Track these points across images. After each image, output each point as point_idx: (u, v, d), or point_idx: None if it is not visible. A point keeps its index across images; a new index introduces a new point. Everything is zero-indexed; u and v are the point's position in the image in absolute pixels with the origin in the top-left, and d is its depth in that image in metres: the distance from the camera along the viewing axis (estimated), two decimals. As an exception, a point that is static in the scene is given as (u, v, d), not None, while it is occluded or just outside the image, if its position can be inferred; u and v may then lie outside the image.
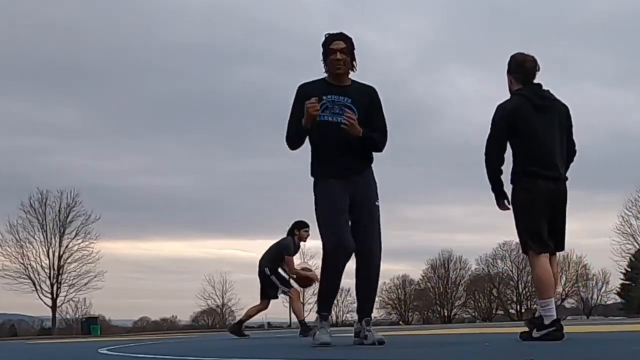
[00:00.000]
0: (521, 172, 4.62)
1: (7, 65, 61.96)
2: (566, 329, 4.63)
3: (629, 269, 54.03)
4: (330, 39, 4.70)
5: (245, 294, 63.76)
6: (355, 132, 4.57)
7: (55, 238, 44.05)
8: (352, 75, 4.79)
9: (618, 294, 59.30)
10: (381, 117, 4.79)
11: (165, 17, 70.33)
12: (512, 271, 65.08)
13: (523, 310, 64.05)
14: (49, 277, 43.40)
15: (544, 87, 4.69)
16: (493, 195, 4.69)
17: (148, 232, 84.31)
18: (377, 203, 4.72)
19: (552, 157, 4.59)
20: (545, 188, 4.56)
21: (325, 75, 4.78)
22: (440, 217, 77.78)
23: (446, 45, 77.53)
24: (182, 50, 68.17)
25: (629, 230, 51.10)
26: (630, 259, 52.88)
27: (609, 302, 63.04)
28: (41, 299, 43.33)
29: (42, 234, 43.87)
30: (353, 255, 4.61)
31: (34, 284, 43.01)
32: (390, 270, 76.74)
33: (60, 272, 43.64)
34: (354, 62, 4.74)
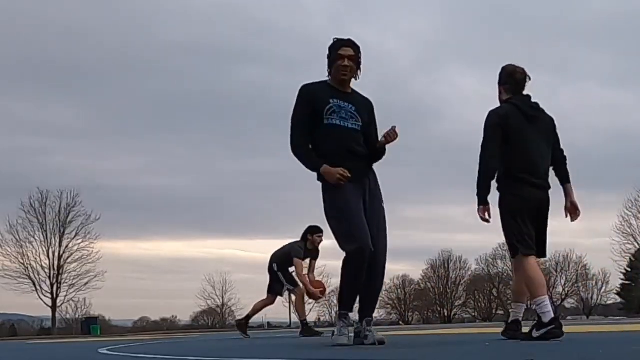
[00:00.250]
0: (511, 179, 4.69)
1: (7, 65, 62.05)
2: (566, 329, 4.63)
3: (629, 269, 54.02)
4: (339, 44, 4.69)
5: (245, 294, 63.84)
6: (386, 142, 4.72)
7: (55, 238, 44.10)
8: (354, 84, 4.81)
9: (618, 294, 59.29)
10: (376, 130, 4.88)
11: (165, 17, 70.43)
12: (512, 271, 64.73)
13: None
14: (49, 277, 43.44)
15: (534, 99, 4.83)
16: (477, 201, 4.68)
17: (148, 232, 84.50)
18: (382, 205, 4.77)
19: (539, 166, 4.72)
20: (533, 195, 4.68)
21: (327, 78, 4.77)
22: (440, 217, 77.87)
23: (446, 45, 77.60)
24: (182, 50, 68.31)
25: (629, 230, 51.14)
26: (630, 259, 52.88)
27: (609, 302, 63.06)
28: (41, 299, 43.41)
29: (42, 234, 43.94)
30: None
31: (34, 284, 43.07)
32: (390, 270, 76.44)
33: (60, 272, 43.65)
34: (359, 71, 4.75)
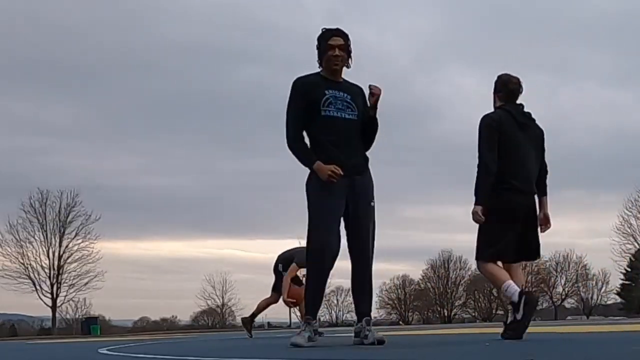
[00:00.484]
0: (501, 183, 4.76)
1: (7, 65, 62.03)
2: (566, 329, 4.62)
3: (629, 269, 54.03)
4: (328, 34, 4.67)
5: (245, 294, 63.87)
6: (375, 104, 4.66)
7: (55, 238, 44.11)
8: (344, 73, 4.79)
9: (618, 294, 59.30)
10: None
11: (166, 17, 70.41)
12: (512, 271, 65.06)
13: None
14: (49, 277, 43.45)
15: (526, 109, 4.96)
16: (475, 201, 4.77)
17: (148, 232, 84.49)
18: (372, 203, 4.72)
19: (528, 172, 4.84)
20: (519, 201, 4.79)
21: (320, 69, 4.76)
22: (440, 217, 77.89)
23: (446, 45, 77.61)
24: (182, 50, 68.28)
25: (629, 230, 51.14)
26: (630, 259, 52.88)
27: (609, 302, 63.07)
28: (41, 299, 43.42)
29: (42, 234, 43.95)
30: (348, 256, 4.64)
31: (34, 284, 43.08)
32: (390, 270, 76.66)
33: (60, 272, 43.65)
34: (350, 60, 4.73)
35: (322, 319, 63.71)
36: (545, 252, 65.03)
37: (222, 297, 61.37)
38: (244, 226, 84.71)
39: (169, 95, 67.12)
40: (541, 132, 5.03)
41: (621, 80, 75.51)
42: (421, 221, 79.39)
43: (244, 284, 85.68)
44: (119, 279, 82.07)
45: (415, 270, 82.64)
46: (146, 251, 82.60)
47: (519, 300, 4.61)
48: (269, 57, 70.67)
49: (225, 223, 77.03)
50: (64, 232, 44.27)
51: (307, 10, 72.93)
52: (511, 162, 4.77)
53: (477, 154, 4.84)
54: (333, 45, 4.64)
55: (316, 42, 4.72)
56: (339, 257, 4.66)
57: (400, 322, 63.37)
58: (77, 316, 51.46)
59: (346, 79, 4.82)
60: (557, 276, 64.32)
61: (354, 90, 4.78)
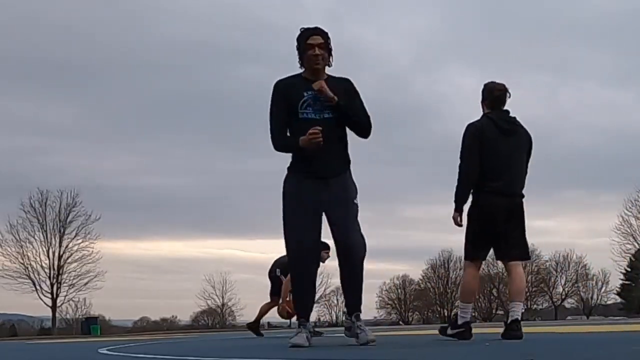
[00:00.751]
0: (481, 187, 4.98)
1: (7, 65, 62.02)
2: (566, 329, 4.62)
3: (629, 269, 54.03)
4: (307, 33, 4.63)
5: (245, 294, 63.92)
6: (329, 96, 4.52)
7: (55, 238, 44.08)
8: (328, 70, 4.74)
9: (618, 294, 59.31)
10: (359, 102, 4.71)
11: (166, 16, 70.41)
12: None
13: (523, 310, 63.98)
14: (49, 277, 43.42)
15: (512, 114, 5.12)
16: (454, 207, 5.02)
17: (148, 232, 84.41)
18: (355, 201, 4.65)
19: (509, 175, 5.00)
20: (500, 204, 4.96)
21: (301, 70, 4.72)
22: (440, 217, 77.53)
23: (446, 45, 77.62)
24: (182, 50, 68.29)
25: (629, 230, 51.15)
26: (630, 259, 52.88)
27: (609, 302, 63.10)
28: (41, 299, 43.39)
29: (42, 234, 43.92)
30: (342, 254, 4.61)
31: (34, 284, 43.05)
32: (390, 270, 76.83)
33: (60, 272, 43.63)
34: (331, 57, 4.69)
35: (322, 319, 63.73)
36: (545, 252, 65.14)
37: (222, 297, 61.43)
38: (244, 226, 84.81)
39: (169, 95, 67.20)
40: (528, 137, 5.18)
41: (621, 80, 75.62)
42: (421, 221, 79.43)
43: (244, 284, 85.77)
44: (119, 279, 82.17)
45: (415, 270, 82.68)
46: (146, 251, 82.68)
47: (461, 326, 5.08)
48: (269, 57, 70.64)
49: (225, 223, 77.14)
50: (64, 232, 44.29)
51: (307, 10, 72.88)
52: (492, 167, 4.96)
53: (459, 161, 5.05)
54: (312, 45, 4.59)
55: (295, 43, 4.67)
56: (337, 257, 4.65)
57: (400, 322, 63.39)
58: (77, 316, 51.49)
59: (332, 75, 4.75)
60: (557, 276, 64.37)
61: (337, 87, 4.66)
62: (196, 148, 70.99)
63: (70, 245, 44.26)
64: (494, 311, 64.87)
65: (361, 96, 4.75)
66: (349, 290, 4.70)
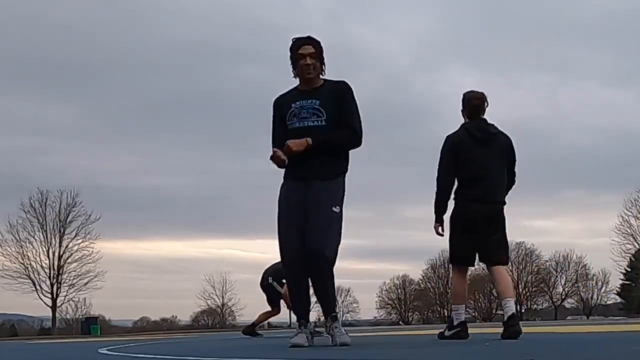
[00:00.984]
0: (459, 196, 5.23)
1: (7, 65, 62.02)
2: (566, 329, 4.62)
3: (629, 269, 54.02)
4: (298, 43, 4.65)
5: (245, 294, 63.83)
6: (300, 149, 4.52)
7: (55, 238, 44.07)
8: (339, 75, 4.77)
9: (618, 294, 59.32)
10: (349, 112, 4.65)
11: (165, 16, 70.42)
12: (512, 271, 65.03)
13: (523, 310, 64.05)
14: (49, 277, 43.42)
15: (490, 121, 5.27)
16: (434, 220, 5.31)
17: (148, 232, 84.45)
18: (334, 209, 4.55)
19: (486, 182, 5.15)
20: (479, 210, 5.12)
21: (297, 81, 4.75)
22: (440, 217, 77.76)
23: (446, 45, 77.65)
24: (182, 50, 68.29)
25: (629, 230, 51.15)
26: (630, 259, 52.88)
27: (609, 302, 63.12)
28: (41, 299, 43.38)
29: (42, 234, 43.91)
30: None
31: (34, 284, 43.05)
32: (390, 270, 76.90)
33: (60, 272, 43.62)
34: (323, 66, 4.70)
35: (321, 319, 63.70)
36: (545, 252, 65.18)
37: (222, 297, 61.42)
38: (244, 226, 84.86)
39: (169, 95, 67.26)
40: (507, 141, 5.29)
41: (621, 80, 75.71)
42: (421, 221, 78.99)
43: (244, 284, 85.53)
44: (119, 279, 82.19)
45: (415, 270, 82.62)
46: (146, 251, 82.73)
47: (457, 327, 5.21)
48: (269, 57, 70.64)
49: (225, 223, 77.19)
50: (64, 232, 44.28)
51: (307, 10, 73.04)
52: (470, 175, 5.15)
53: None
54: (304, 54, 4.61)
55: (289, 53, 4.69)
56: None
57: (400, 322, 63.40)
58: (77, 316, 51.49)
59: (330, 79, 4.75)
60: (557, 276, 64.40)
61: (329, 92, 4.65)
62: (196, 148, 71.13)
63: (70, 245, 44.31)
64: (494, 311, 64.83)
65: (355, 98, 4.70)
66: (317, 295, 4.73)
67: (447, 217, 5.35)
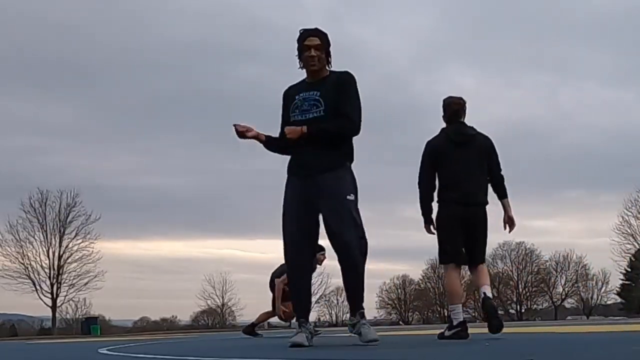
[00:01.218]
0: (440, 197, 5.43)
1: (7, 65, 62.02)
2: (566, 329, 4.62)
3: (629, 269, 54.02)
4: (305, 34, 4.66)
5: (245, 294, 63.92)
6: (296, 136, 4.55)
7: (55, 238, 44.09)
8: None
9: (618, 294, 59.29)
10: (346, 100, 4.63)
11: (166, 16, 70.41)
12: (512, 271, 65.11)
13: (523, 310, 64.05)
14: (49, 277, 43.43)
15: (469, 124, 5.47)
16: (423, 221, 5.48)
17: (148, 232, 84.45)
18: (349, 197, 4.56)
19: (465, 185, 5.33)
20: (459, 211, 5.31)
21: (305, 74, 4.78)
22: (440, 217, 77.80)
23: (446, 45, 77.63)
24: (182, 49, 68.27)
25: (629, 230, 51.17)
26: (630, 259, 52.88)
27: (609, 302, 63.08)
28: (41, 299, 43.39)
29: (42, 234, 43.92)
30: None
31: (34, 284, 43.06)
32: (390, 270, 76.85)
33: (60, 272, 43.63)
34: (329, 58, 4.71)
35: (322, 318, 63.73)
36: (545, 252, 65.16)
37: (222, 297, 61.41)
38: (244, 226, 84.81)
39: (169, 95, 67.24)
40: (486, 142, 5.46)
41: (621, 80, 75.72)
42: (421, 221, 79.22)
43: (244, 284, 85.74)
44: (119, 279, 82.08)
45: (415, 270, 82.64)
46: (146, 251, 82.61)
47: (456, 327, 5.28)
48: (269, 57, 70.68)
49: (225, 223, 77.16)
50: (64, 232, 44.29)
51: (307, 10, 72.89)
52: (450, 179, 5.35)
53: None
54: (309, 46, 4.62)
55: (296, 44, 4.70)
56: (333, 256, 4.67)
57: (400, 322, 63.39)
58: (77, 316, 51.47)
59: (334, 70, 4.76)
60: (557, 276, 64.38)
61: (331, 83, 4.65)
62: (196, 148, 71.06)
63: (70, 245, 44.32)
64: (494, 311, 64.82)
65: (357, 88, 4.68)
66: (348, 289, 4.68)
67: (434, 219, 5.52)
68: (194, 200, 72.80)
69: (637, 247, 51.46)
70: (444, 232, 5.40)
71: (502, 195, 5.48)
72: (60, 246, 44.07)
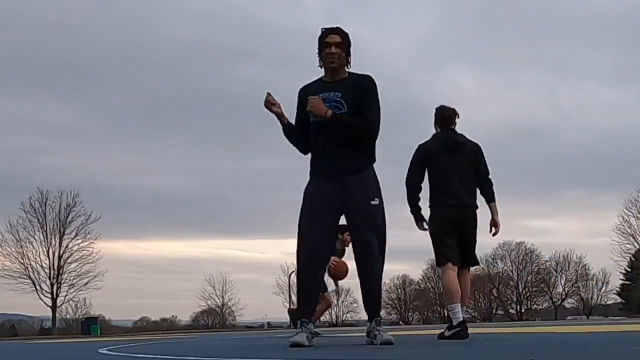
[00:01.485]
0: (432, 201, 5.58)
1: (7, 65, 62.05)
2: (566, 329, 4.62)
3: (629, 269, 54.01)
4: (326, 32, 4.66)
5: (245, 293, 63.92)
6: (318, 113, 4.54)
7: (55, 238, 44.03)
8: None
9: (618, 294, 59.27)
10: (368, 103, 4.64)
11: (166, 16, 70.42)
12: (512, 271, 65.08)
13: (523, 310, 64.05)
14: (49, 277, 43.39)
15: (460, 132, 5.64)
16: (413, 219, 5.62)
17: (148, 232, 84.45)
18: (373, 202, 4.59)
19: (456, 189, 5.49)
20: (450, 214, 5.48)
21: (323, 71, 4.75)
22: (440, 217, 77.76)
23: (446, 45, 77.62)
24: (182, 49, 68.26)
25: (629, 230, 51.14)
26: (630, 259, 52.86)
27: (609, 302, 63.05)
28: (41, 299, 43.35)
29: (42, 234, 43.86)
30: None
31: (34, 284, 43.01)
32: (390, 270, 76.47)
33: (60, 272, 43.60)
34: (349, 58, 4.69)
35: (322, 318, 63.63)
36: (545, 252, 65.12)
37: (222, 297, 61.37)
38: (244, 226, 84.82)
39: (169, 94, 67.20)
40: (475, 148, 5.65)
41: (621, 80, 75.72)
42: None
43: (244, 284, 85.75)
44: (119, 279, 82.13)
45: (415, 270, 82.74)
46: (146, 251, 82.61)
47: (456, 326, 5.31)
48: (269, 57, 70.69)
49: (225, 223, 77.14)
50: (64, 232, 44.25)
51: (307, 10, 72.95)
52: (441, 183, 5.51)
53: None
54: (329, 43, 4.61)
55: (317, 43, 4.70)
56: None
57: (400, 322, 63.38)
58: (77, 316, 51.43)
59: (354, 72, 4.74)
60: (557, 276, 64.33)
61: (353, 84, 4.65)
62: (196, 148, 71.05)
63: (70, 245, 44.27)
64: (494, 311, 64.88)
65: (378, 93, 4.70)
66: (366, 296, 4.68)
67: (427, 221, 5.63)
68: (194, 200, 72.88)
69: (637, 247, 51.45)
70: (438, 234, 5.53)
71: (489, 199, 5.61)
72: (60, 246, 44.07)
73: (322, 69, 4.75)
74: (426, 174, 5.60)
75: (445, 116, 5.66)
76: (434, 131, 5.73)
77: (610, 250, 52.81)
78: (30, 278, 42.93)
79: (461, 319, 5.35)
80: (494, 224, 5.63)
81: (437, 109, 5.75)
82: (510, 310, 64.48)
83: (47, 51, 63.97)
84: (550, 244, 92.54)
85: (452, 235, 5.50)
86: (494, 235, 5.68)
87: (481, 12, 74.01)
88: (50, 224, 44.06)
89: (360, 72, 4.75)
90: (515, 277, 64.70)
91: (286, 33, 72.66)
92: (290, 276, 48.82)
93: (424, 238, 5.76)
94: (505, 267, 65.07)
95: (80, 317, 48.79)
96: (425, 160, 5.56)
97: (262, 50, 71.09)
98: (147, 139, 70.00)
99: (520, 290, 64.76)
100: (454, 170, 5.50)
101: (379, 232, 4.60)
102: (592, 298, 63.95)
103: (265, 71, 70.78)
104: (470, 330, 5.51)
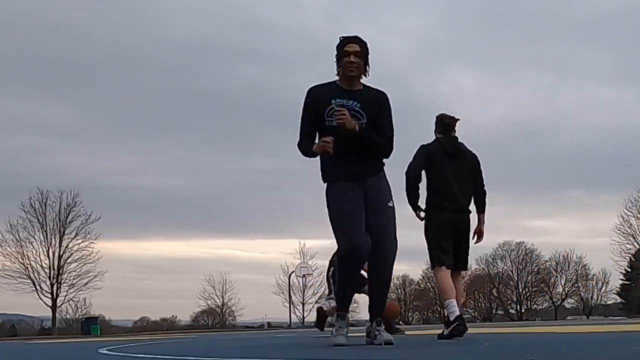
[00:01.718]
0: (430, 203, 5.70)
1: (7, 65, 62.05)
2: (566, 329, 4.63)
3: (629, 269, 54.01)
4: (345, 41, 4.65)
5: (245, 293, 63.92)
6: (349, 127, 4.52)
7: (55, 238, 43.99)
8: (364, 81, 4.72)
9: (618, 294, 59.29)
10: (386, 122, 4.71)
11: (166, 16, 70.40)
12: (512, 271, 65.09)
13: (523, 310, 64.06)
14: (49, 277, 43.35)
15: (460, 140, 5.79)
16: (412, 209, 5.74)
17: (148, 232, 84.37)
18: (390, 204, 4.68)
19: (454, 193, 5.64)
20: (448, 217, 5.63)
21: (337, 78, 4.71)
22: (440, 216, 77.73)
23: (446, 45, 77.62)
24: (182, 49, 68.27)
25: (629, 230, 51.10)
26: (630, 259, 52.86)
27: (609, 302, 63.06)
28: (41, 299, 43.32)
29: (42, 234, 43.81)
30: None
31: (34, 284, 42.97)
32: (390, 270, 76.40)
33: (60, 272, 43.57)
34: (367, 67, 4.68)
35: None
36: (545, 252, 65.15)
37: (222, 297, 61.34)
38: (244, 226, 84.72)
39: (169, 94, 67.19)
40: (473, 158, 5.83)
41: (621, 80, 75.69)
42: (421, 221, 79.34)
43: (244, 284, 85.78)
44: (119, 279, 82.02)
45: (415, 270, 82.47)
46: (146, 251, 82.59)
47: (454, 321, 5.34)
48: (269, 57, 70.70)
49: (225, 223, 77.07)
50: (64, 232, 44.20)
51: (307, 10, 73.01)
52: (441, 185, 5.65)
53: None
54: (349, 52, 4.60)
55: (335, 52, 4.68)
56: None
57: (400, 322, 63.34)
58: (77, 316, 51.41)
59: (369, 85, 4.74)
60: (557, 276, 64.34)
61: (370, 97, 4.67)
62: (196, 148, 71.03)
63: (70, 245, 44.21)
64: (494, 311, 64.88)
65: (392, 111, 4.76)
66: (374, 296, 4.71)
67: (423, 224, 5.79)
68: (194, 200, 72.84)
69: (637, 247, 51.43)
70: (434, 237, 5.66)
71: (480, 210, 5.83)
72: (60, 246, 44.03)
73: (337, 75, 4.70)
74: (424, 177, 5.69)
75: (445, 124, 5.80)
76: (432, 131, 5.90)
77: (610, 250, 52.82)
78: (30, 278, 42.92)
79: (458, 313, 5.41)
80: (480, 233, 5.83)
81: (437, 116, 5.88)
82: (510, 310, 64.49)
83: (47, 51, 64.03)
84: (550, 244, 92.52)
85: (449, 240, 5.64)
86: (475, 242, 5.88)
87: (481, 12, 74.06)
88: (50, 224, 44.05)
89: (373, 86, 4.75)
90: (515, 277, 64.71)
91: (286, 33, 72.71)
92: (290, 276, 48.78)
93: (424, 238, 5.77)
94: (505, 267, 65.12)
95: (80, 317, 48.79)
96: (430, 160, 5.66)
97: (262, 50, 71.17)
98: (147, 139, 70.05)
99: (520, 290, 64.77)
100: (453, 176, 5.66)
101: (393, 236, 4.66)
102: (592, 298, 63.98)
103: (265, 71, 70.98)
104: (470, 330, 5.53)
